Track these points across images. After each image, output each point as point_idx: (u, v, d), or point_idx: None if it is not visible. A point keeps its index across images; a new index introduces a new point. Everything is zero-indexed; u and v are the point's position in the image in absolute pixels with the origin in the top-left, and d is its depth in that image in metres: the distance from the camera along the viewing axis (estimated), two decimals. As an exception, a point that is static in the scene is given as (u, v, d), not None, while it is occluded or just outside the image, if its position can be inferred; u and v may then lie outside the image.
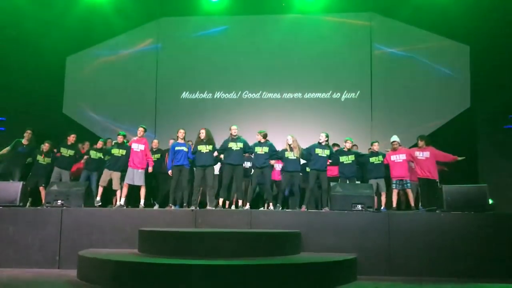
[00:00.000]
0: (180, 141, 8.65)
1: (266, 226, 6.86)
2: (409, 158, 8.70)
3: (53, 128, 10.77)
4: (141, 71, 12.65)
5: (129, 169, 8.46)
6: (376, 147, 9.03)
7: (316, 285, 5.25)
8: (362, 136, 11.06)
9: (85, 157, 9.29)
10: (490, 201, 8.02)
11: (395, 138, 8.94)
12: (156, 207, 9.08)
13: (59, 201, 7.40)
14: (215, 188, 8.80)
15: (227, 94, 12.40)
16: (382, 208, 8.61)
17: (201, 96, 12.43)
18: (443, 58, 11.73)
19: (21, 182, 7.62)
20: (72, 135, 9.30)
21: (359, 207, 7.14)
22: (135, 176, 8.43)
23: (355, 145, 9.42)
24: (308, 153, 8.74)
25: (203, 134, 8.45)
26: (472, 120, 11.03)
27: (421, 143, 8.62)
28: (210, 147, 8.39)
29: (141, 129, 8.69)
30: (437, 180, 8.33)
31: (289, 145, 8.62)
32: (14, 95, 11.00)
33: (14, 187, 7.47)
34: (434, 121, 11.38)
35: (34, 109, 11.15)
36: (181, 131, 8.71)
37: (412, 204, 8.71)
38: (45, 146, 9.11)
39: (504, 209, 8.96)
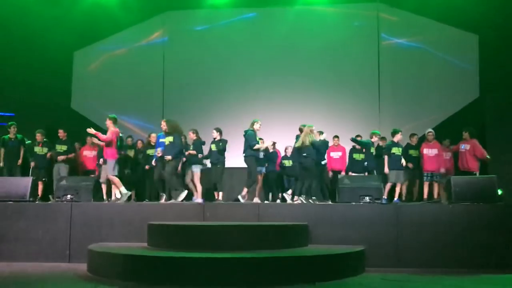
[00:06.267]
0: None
1: (274, 219, 6.88)
2: (441, 152, 9.00)
3: (61, 124, 10.78)
4: (148, 64, 12.64)
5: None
6: (398, 137, 9.14)
7: (324, 278, 5.26)
8: (370, 128, 10.91)
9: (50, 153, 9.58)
10: (500, 192, 7.99)
11: (431, 129, 9.25)
12: (163, 200, 9.04)
13: (69, 196, 7.49)
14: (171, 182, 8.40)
15: (233, 87, 12.33)
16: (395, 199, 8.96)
17: (208, 89, 12.38)
18: (451, 48, 11.58)
19: (31, 177, 7.72)
20: (61, 130, 9.70)
21: (367, 199, 7.14)
22: (106, 169, 8.21)
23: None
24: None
25: (164, 126, 8.46)
26: (481, 110, 10.90)
27: (465, 134, 8.74)
28: (170, 139, 8.33)
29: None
30: (475, 173, 8.47)
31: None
32: (22, 91, 11.10)
33: (24, 182, 7.55)
34: (443, 112, 11.29)
35: (43, 104, 11.23)
36: (163, 122, 8.65)
37: (435, 196, 8.90)
38: (38, 137, 9.41)
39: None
